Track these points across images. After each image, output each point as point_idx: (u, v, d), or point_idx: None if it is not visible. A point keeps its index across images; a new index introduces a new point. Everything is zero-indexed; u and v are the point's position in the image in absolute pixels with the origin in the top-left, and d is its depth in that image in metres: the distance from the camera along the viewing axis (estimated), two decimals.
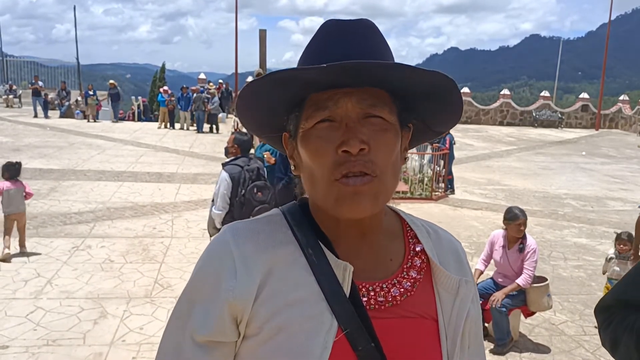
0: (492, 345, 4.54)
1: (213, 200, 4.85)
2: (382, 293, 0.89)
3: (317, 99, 0.85)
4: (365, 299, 0.88)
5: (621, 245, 5.02)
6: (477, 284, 4.73)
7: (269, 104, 0.90)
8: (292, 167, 0.94)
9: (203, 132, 18.77)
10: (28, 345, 4.16)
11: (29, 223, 7.21)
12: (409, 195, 10.30)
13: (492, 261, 4.87)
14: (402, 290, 0.91)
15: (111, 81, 21.83)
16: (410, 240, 0.97)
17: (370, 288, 0.89)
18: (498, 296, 4.47)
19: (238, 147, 5.00)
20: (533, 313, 4.77)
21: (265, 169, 5.52)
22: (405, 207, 8.80)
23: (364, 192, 0.82)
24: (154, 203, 8.76)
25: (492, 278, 4.84)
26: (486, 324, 4.75)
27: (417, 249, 0.96)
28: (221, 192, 4.66)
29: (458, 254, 1.00)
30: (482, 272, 4.85)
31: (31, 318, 4.60)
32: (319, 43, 0.88)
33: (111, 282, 5.45)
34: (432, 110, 0.93)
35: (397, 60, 0.92)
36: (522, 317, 4.77)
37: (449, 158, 10.80)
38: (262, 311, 0.85)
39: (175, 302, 0.95)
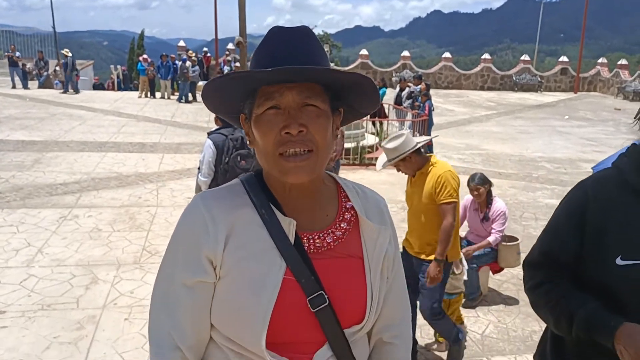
0: (463, 300, 4.86)
1: (199, 169, 5.04)
2: (319, 241, 1.17)
3: (266, 90, 1.09)
4: (306, 245, 1.16)
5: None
6: None
7: (229, 93, 1.15)
8: (248, 142, 1.19)
9: (189, 102, 18.67)
10: (24, 310, 4.37)
11: (16, 195, 7.36)
12: None
13: (465, 223, 5.16)
14: (335, 237, 1.18)
15: (65, 50, 20.91)
16: (343, 200, 1.24)
17: (310, 237, 1.17)
18: (470, 250, 4.77)
19: (218, 119, 5.17)
20: (501, 269, 5.09)
21: None
22: (385, 172, 9.01)
23: (302, 166, 1.08)
24: (138, 173, 8.90)
25: (465, 237, 5.13)
26: None
27: (348, 206, 1.23)
28: (206, 159, 4.84)
29: (380, 208, 1.27)
30: (465, 238, 5.11)
31: (25, 285, 4.80)
32: (268, 47, 1.12)
33: (100, 249, 5.65)
34: (355, 98, 1.18)
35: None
36: (490, 273, 5.09)
37: (428, 124, 11.03)
38: (229, 259, 1.12)
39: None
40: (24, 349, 3.83)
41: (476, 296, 4.83)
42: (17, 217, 6.49)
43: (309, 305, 1.11)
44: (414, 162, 3.54)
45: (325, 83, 1.11)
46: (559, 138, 14.33)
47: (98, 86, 25.95)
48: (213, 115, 5.78)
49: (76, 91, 20.17)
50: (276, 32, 1.12)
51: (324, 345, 1.14)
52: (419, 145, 3.51)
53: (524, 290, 1.66)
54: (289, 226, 1.14)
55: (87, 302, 4.54)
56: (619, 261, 1.37)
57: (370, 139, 11.31)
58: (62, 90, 20.03)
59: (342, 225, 1.20)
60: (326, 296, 1.12)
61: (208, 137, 5.04)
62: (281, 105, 1.09)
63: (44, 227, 6.19)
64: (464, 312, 4.70)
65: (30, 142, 10.80)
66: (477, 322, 4.54)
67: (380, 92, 14.43)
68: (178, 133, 12.74)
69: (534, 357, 1.72)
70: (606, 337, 1.34)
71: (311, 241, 1.17)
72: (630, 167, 1.46)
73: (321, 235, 1.18)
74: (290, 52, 1.09)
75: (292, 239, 1.13)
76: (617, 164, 1.51)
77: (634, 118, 1.51)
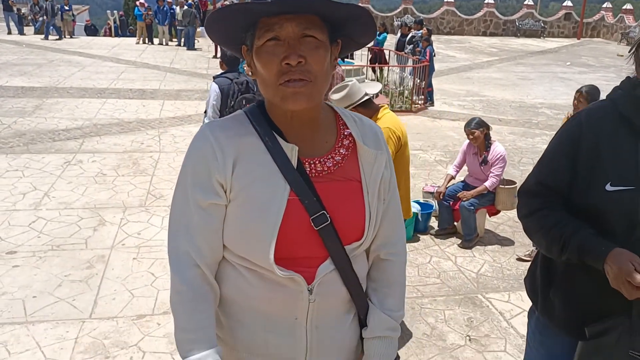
0: (460, 241, 5.02)
1: (205, 112, 5.11)
2: (320, 165, 1.26)
3: (266, 22, 1.14)
4: (308, 169, 1.25)
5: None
6: (448, 187, 5.15)
7: (231, 25, 1.20)
8: (250, 73, 1.27)
9: (195, 49, 18.33)
10: (34, 250, 4.52)
11: (19, 140, 7.42)
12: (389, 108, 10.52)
13: (464, 167, 5.26)
14: (334, 162, 1.28)
15: None
16: (341, 127, 1.33)
17: (311, 162, 1.26)
18: (467, 194, 4.89)
19: (223, 62, 5.21)
20: (498, 212, 5.22)
21: (254, 81, 5.74)
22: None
23: (301, 92, 1.15)
24: (140, 119, 8.92)
25: (463, 181, 5.24)
26: (455, 223, 5.21)
27: (346, 133, 1.32)
28: (211, 102, 4.91)
29: (376, 135, 1.36)
30: (453, 177, 5.23)
31: (34, 227, 4.93)
32: None
33: (106, 193, 5.76)
34: (353, 29, 1.23)
35: None
36: (487, 216, 5.22)
37: (429, 70, 10.95)
38: (237, 184, 1.22)
39: (169, 209, 1.31)
40: (36, 286, 3.99)
41: (472, 237, 4.98)
42: (22, 162, 6.57)
43: (312, 224, 1.22)
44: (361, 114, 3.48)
45: (324, 15, 1.16)
46: (560, 84, 14.25)
47: (90, 28, 25.28)
48: (212, 62, 5.75)
49: (72, 36, 19.81)
50: None
51: (327, 260, 1.26)
52: (366, 97, 3.38)
53: (517, 218, 1.74)
54: (292, 152, 1.22)
55: (96, 243, 4.69)
56: (608, 187, 1.46)
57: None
58: (43, 37, 19.23)
59: (341, 150, 1.29)
60: (328, 215, 1.22)
61: (213, 81, 5.08)
62: (281, 36, 1.14)
63: (49, 172, 6.29)
64: (460, 252, 4.86)
65: (30, 89, 10.76)
66: (472, 261, 4.70)
67: (381, 37, 14.24)
68: (177, 80, 12.66)
69: (525, 280, 1.84)
70: (597, 260, 1.42)
71: (312, 166, 1.26)
72: (623, 99, 1.53)
73: (322, 160, 1.27)
74: None
75: (294, 163, 1.22)
76: (611, 96, 1.58)
77: (628, 52, 1.57)
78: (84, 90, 10.87)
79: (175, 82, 12.30)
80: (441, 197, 5.09)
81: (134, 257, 4.47)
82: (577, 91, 4.74)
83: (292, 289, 1.24)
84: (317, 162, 1.26)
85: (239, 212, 1.23)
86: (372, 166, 1.31)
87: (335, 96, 3.38)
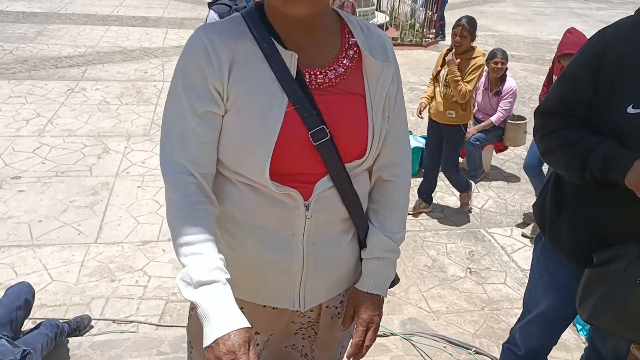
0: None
1: None
2: (321, 77, 1.17)
3: None
4: (307, 80, 1.16)
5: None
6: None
7: None
8: None
9: None
10: (39, 176, 4.53)
11: (21, 66, 7.30)
12: (399, 41, 10.26)
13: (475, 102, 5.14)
14: (337, 74, 1.18)
15: None
16: (347, 36, 1.22)
17: (312, 73, 1.17)
18: (471, 131, 4.80)
19: None
20: (505, 148, 5.16)
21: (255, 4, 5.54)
22: (396, 54, 8.87)
23: None
24: (143, 48, 8.73)
25: (474, 116, 5.14)
26: (461, 159, 5.16)
27: (351, 42, 1.22)
28: None
29: (384, 45, 1.26)
30: (473, 116, 5.08)
31: (38, 153, 4.92)
32: None
33: (109, 121, 5.71)
34: None
35: None
36: (494, 152, 5.17)
37: (441, 3, 10.58)
38: (233, 92, 1.13)
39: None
40: (42, 210, 4.02)
41: (477, 173, 4.95)
42: (24, 88, 6.49)
43: (311, 139, 1.14)
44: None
45: None
46: (576, 20, 13.77)
47: None
48: None
49: None
50: None
51: (325, 176, 1.20)
52: None
53: (534, 139, 1.66)
54: (290, 59, 1.13)
55: (100, 170, 4.69)
56: (630, 109, 1.38)
57: (381, 17, 10.92)
58: None
59: (344, 62, 1.20)
60: (327, 130, 1.15)
61: (210, 9, 4.87)
62: None
63: (52, 99, 6.21)
64: None
65: (31, 14, 10.49)
66: (477, 197, 4.69)
67: None
68: (181, 7, 12.29)
69: (533, 206, 1.80)
70: (620, 170, 1.35)
71: (313, 77, 1.16)
72: None
73: (323, 71, 1.18)
74: None
75: (293, 73, 1.13)
76: None
77: None
78: (86, 17, 10.59)
79: (179, 10, 11.95)
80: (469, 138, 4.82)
81: (139, 185, 4.48)
82: (458, 25, 3.90)
83: (289, 205, 1.19)
84: (318, 73, 1.17)
85: (232, 124, 1.15)
86: (377, 79, 1.21)
87: None
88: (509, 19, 13.48)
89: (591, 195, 1.47)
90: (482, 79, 4.98)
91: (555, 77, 3.78)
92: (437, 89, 4.07)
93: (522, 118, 5.08)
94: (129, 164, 4.84)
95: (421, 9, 11.16)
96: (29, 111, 5.84)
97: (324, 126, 1.15)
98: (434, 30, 10.71)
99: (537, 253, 1.79)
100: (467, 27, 3.87)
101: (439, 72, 4.07)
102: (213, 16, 4.78)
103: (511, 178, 5.11)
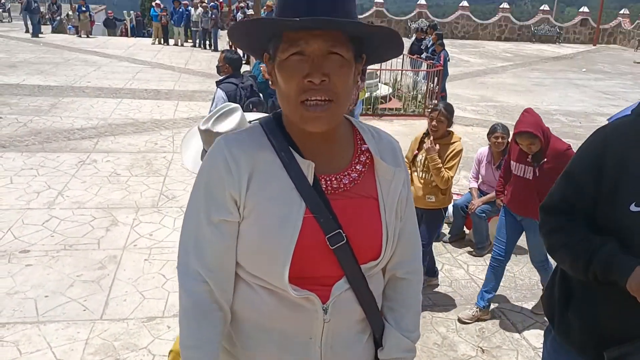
0: (471, 249, 4.98)
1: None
2: (336, 182, 1.23)
3: (291, 36, 1.11)
4: (324, 186, 1.22)
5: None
6: (462, 196, 5.10)
7: (255, 36, 1.19)
8: (270, 82, 1.22)
9: (218, 51, 18.31)
10: (47, 249, 4.55)
11: (34, 139, 7.49)
12: (402, 112, 10.51)
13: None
14: (351, 179, 1.24)
15: None
16: (359, 142, 1.29)
17: (328, 179, 1.23)
18: (475, 203, 4.84)
19: (229, 66, 5.18)
20: None
21: (260, 84, 5.74)
22: (398, 123, 9.06)
23: (322, 117, 1.12)
24: (154, 120, 8.97)
25: (478, 188, 5.19)
26: (467, 230, 5.18)
27: (363, 148, 1.28)
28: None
29: (395, 150, 1.33)
30: (477, 189, 5.14)
31: (47, 226, 4.97)
32: None
33: (119, 193, 5.79)
34: (381, 46, 1.21)
35: None
36: None
37: (442, 75, 10.90)
38: (251, 200, 1.19)
39: (182, 211, 1.30)
40: (49, 285, 4.01)
41: (485, 245, 4.94)
42: (37, 160, 6.63)
43: (328, 243, 1.18)
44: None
45: (352, 32, 1.13)
46: (575, 91, 14.12)
47: (110, 20, 25.30)
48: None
49: (88, 35, 19.98)
50: None
51: (342, 279, 1.22)
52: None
53: (540, 235, 1.70)
54: (308, 168, 1.19)
55: (108, 243, 4.71)
56: (633, 207, 1.40)
57: (384, 89, 11.23)
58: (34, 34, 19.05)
59: (357, 167, 1.26)
60: (344, 234, 1.19)
61: (218, 87, 5.04)
62: (306, 52, 1.11)
63: (64, 171, 6.33)
64: (472, 260, 4.82)
65: (47, 87, 10.87)
66: (485, 270, 4.63)
67: None
68: (192, 80, 12.72)
69: (541, 299, 1.80)
70: (622, 275, 1.37)
71: (329, 182, 1.22)
72: None
73: (338, 177, 1.24)
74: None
75: (310, 180, 1.19)
76: (637, 111, 1.52)
77: None
78: (99, 90, 10.95)
79: (189, 83, 12.36)
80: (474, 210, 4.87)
81: (146, 258, 4.49)
82: (434, 110, 4.00)
83: (307, 308, 1.21)
84: (333, 179, 1.23)
85: (253, 230, 1.20)
86: (389, 183, 1.27)
87: (222, 126, 2.34)
88: (509, 89, 13.83)
89: (598, 290, 1.48)
90: (485, 153, 5.08)
91: (513, 163, 3.71)
92: (415, 174, 4.01)
93: None
94: (136, 236, 4.87)
95: (423, 81, 11.49)
96: (40, 183, 5.94)
97: (340, 230, 1.19)
98: (436, 102, 10.96)
99: (548, 346, 1.77)
100: (444, 112, 3.89)
101: (415, 155, 4.04)
102: (220, 94, 4.95)
103: (518, 250, 5.08)
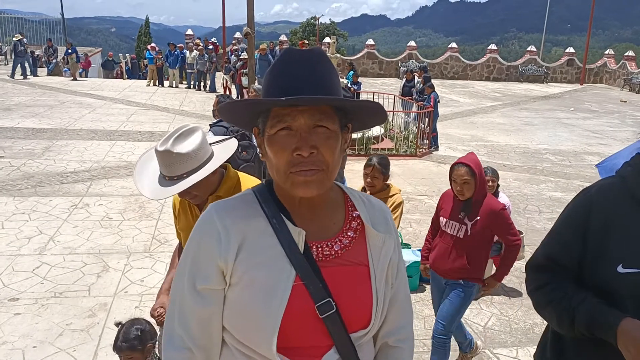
0: None
1: None
2: (327, 249, 1.24)
3: (279, 112, 1.16)
4: (315, 253, 1.22)
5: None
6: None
7: (243, 113, 1.24)
8: (260, 155, 1.26)
9: (216, 92, 18.55)
10: (37, 297, 4.49)
11: (27, 182, 7.48)
12: (394, 152, 10.60)
13: None
14: (342, 246, 1.25)
15: (16, 35, 20.48)
16: (350, 209, 1.31)
17: (318, 246, 1.23)
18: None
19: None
20: None
21: None
22: (391, 164, 9.13)
23: (312, 181, 1.15)
24: None
25: None
26: None
27: (354, 214, 1.30)
28: None
29: (385, 217, 1.34)
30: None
31: (37, 273, 4.92)
32: (282, 68, 1.17)
33: (111, 238, 5.76)
34: (365, 117, 1.25)
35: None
36: (493, 267, 5.17)
37: (433, 116, 11.07)
38: (240, 267, 1.20)
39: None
40: (37, 335, 3.95)
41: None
42: (29, 205, 6.61)
43: (317, 312, 1.18)
44: (212, 183, 2.18)
45: (337, 106, 1.18)
46: (564, 130, 14.33)
47: (109, 62, 25.63)
48: None
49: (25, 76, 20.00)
50: (290, 54, 1.17)
51: (331, 349, 1.21)
52: (227, 156, 2.19)
53: (526, 293, 1.71)
54: (299, 236, 1.20)
55: (99, 290, 4.66)
56: (620, 269, 1.42)
57: (376, 130, 11.36)
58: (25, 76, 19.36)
59: (348, 233, 1.27)
60: (334, 303, 1.19)
61: (210, 130, 5.13)
62: (293, 127, 1.15)
63: (56, 215, 6.31)
64: None
65: (41, 130, 10.91)
66: (479, 314, 4.64)
67: (348, 75, 14.75)
68: (186, 122, 12.76)
69: (534, 356, 1.79)
70: (607, 333, 1.39)
71: (319, 249, 1.23)
72: (633, 176, 1.51)
73: (329, 243, 1.24)
74: (304, 75, 1.14)
75: (301, 248, 1.20)
76: (621, 173, 1.55)
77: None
78: (93, 132, 11.01)
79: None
80: None
81: (136, 305, 4.44)
82: (368, 165, 3.89)
83: None
84: (324, 246, 1.23)
85: (241, 297, 1.19)
86: (380, 250, 1.28)
87: (182, 147, 2.05)
88: (499, 129, 14.02)
89: (592, 344, 1.48)
90: None
91: (443, 219, 3.49)
92: None
93: (519, 233, 5.13)
94: (127, 282, 4.82)
95: (414, 122, 11.65)
96: (32, 228, 5.90)
97: (330, 298, 1.19)
98: (427, 142, 11.11)
99: None
100: (378, 168, 3.83)
101: None
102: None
103: (512, 293, 5.08)
